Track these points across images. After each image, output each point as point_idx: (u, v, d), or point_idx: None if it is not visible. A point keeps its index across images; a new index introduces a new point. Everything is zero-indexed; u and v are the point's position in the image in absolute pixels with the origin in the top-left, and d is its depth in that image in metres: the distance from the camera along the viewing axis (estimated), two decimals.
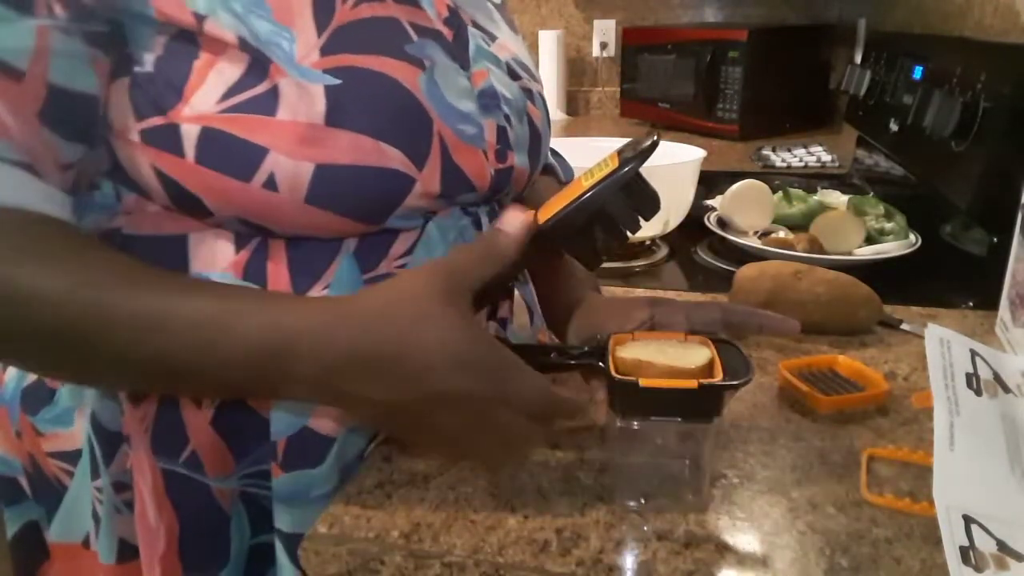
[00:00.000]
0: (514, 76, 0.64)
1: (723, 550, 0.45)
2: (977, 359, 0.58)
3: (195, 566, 0.57)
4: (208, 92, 0.48)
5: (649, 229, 1.04)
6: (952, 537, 0.43)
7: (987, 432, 0.51)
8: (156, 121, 0.49)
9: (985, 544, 0.43)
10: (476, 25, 0.62)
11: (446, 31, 0.58)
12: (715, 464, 0.53)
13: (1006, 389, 0.56)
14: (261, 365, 0.43)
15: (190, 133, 0.48)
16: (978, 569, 0.41)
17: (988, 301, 0.76)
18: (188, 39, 0.48)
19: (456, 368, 0.42)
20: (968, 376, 0.56)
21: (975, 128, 0.89)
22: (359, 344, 0.43)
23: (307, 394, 0.46)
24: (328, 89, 0.49)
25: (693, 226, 1.07)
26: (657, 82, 1.98)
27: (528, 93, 0.65)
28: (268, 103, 0.48)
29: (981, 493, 0.47)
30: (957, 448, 0.49)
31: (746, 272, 0.76)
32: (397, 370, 0.43)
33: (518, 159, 0.61)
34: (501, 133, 0.59)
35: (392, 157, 0.51)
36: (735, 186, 1.07)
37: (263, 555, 0.59)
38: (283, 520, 0.55)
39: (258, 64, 0.48)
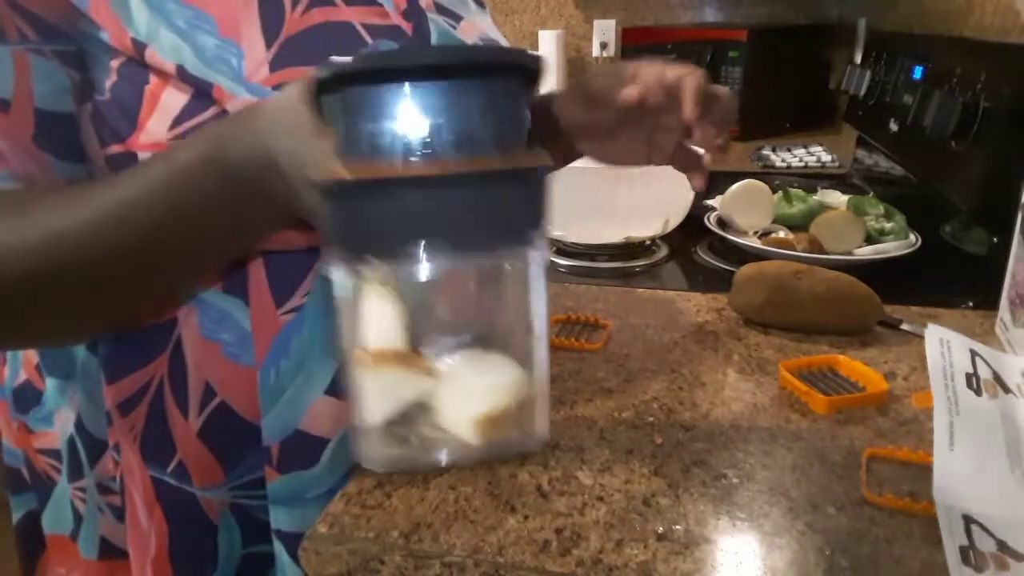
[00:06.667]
0: None
1: (723, 550, 0.45)
2: (977, 359, 0.58)
3: (185, 570, 0.57)
4: (160, 118, 0.47)
5: (649, 229, 1.04)
6: (952, 537, 0.43)
7: (987, 432, 0.51)
8: (116, 149, 0.48)
9: (985, 544, 0.43)
10: (440, 8, 0.59)
11: (405, 25, 0.55)
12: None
13: (1006, 389, 0.56)
14: (206, 173, 0.44)
15: None
16: (978, 569, 0.41)
17: (988, 301, 0.76)
18: (138, 63, 0.47)
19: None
20: (968, 376, 0.56)
21: (975, 128, 0.88)
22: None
23: (258, 171, 0.44)
24: None
25: (693, 226, 1.07)
26: None
27: None
28: None
29: (981, 493, 0.47)
30: (957, 448, 0.49)
31: (746, 272, 0.76)
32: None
33: None
34: None
35: None
36: (735, 186, 1.07)
37: (258, 563, 0.59)
38: (281, 520, 0.55)
39: (202, 90, 0.47)
